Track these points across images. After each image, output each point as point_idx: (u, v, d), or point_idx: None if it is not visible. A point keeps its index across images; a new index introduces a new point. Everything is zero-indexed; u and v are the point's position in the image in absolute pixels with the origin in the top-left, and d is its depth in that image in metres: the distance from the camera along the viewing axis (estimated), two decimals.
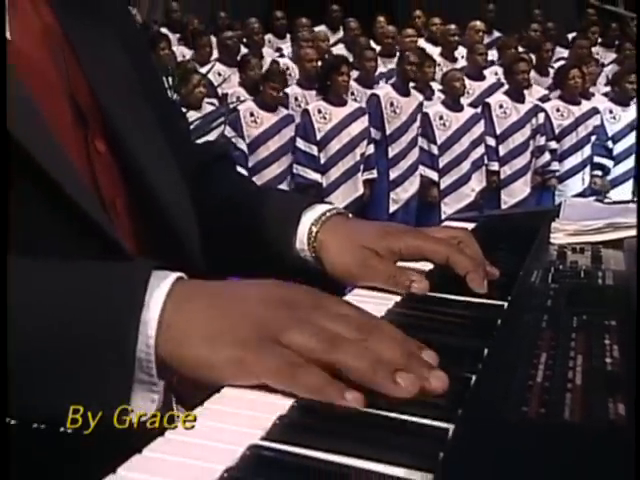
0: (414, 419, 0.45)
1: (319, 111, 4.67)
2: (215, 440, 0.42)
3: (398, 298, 0.71)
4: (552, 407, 0.45)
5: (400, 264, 0.75)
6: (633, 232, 0.88)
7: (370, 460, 0.40)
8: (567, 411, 0.45)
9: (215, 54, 5.69)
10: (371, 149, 4.78)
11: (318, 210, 0.79)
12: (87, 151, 0.65)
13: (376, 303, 0.69)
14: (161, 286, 0.49)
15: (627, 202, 1.22)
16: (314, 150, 4.66)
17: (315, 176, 4.66)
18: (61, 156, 0.59)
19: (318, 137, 4.65)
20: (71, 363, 0.48)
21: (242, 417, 0.45)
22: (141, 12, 6.70)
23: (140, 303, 0.48)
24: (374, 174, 4.81)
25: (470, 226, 1.04)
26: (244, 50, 5.78)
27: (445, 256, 0.73)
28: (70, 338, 0.48)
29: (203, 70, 5.05)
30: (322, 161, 4.68)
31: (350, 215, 0.84)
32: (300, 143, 4.65)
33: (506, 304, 0.67)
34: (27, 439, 0.49)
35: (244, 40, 6.03)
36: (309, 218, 0.78)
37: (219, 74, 5.35)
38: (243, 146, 4.55)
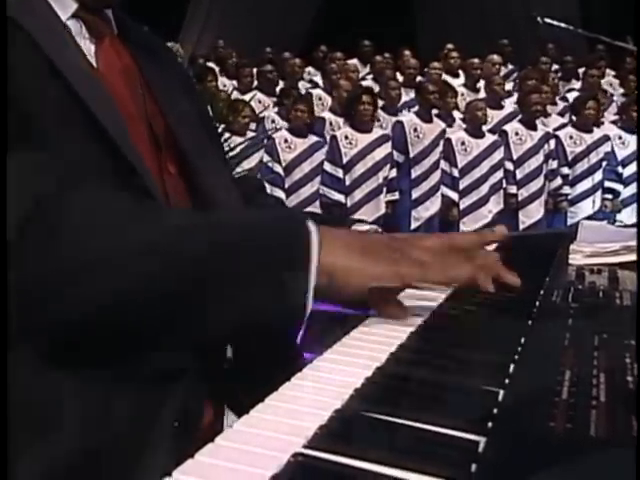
0: (447, 431, 0.44)
1: (346, 137, 4.68)
2: (261, 447, 0.42)
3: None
4: (578, 423, 0.44)
5: None
6: None
7: (406, 470, 0.40)
8: (592, 427, 0.44)
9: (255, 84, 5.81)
10: (394, 173, 4.77)
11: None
12: (160, 171, 0.73)
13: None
14: (309, 220, 0.62)
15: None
16: (340, 173, 4.67)
17: (339, 197, 4.66)
18: (147, 169, 0.68)
19: (344, 161, 4.65)
20: (270, 270, 0.59)
21: (285, 426, 0.45)
22: (186, 48, 6.81)
23: (307, 226, 0.60)
24: (396, 196, 4.79)
25: (493, 246, 1.03)
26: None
27: None
28: (265, 259, 0.59)
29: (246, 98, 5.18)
30: (347, 183, 4.68)
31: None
32: (327, 166, 4.67)
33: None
34: None
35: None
36: None
37: (259, 102, 5.48)
38: (279, 169, 4.62)
